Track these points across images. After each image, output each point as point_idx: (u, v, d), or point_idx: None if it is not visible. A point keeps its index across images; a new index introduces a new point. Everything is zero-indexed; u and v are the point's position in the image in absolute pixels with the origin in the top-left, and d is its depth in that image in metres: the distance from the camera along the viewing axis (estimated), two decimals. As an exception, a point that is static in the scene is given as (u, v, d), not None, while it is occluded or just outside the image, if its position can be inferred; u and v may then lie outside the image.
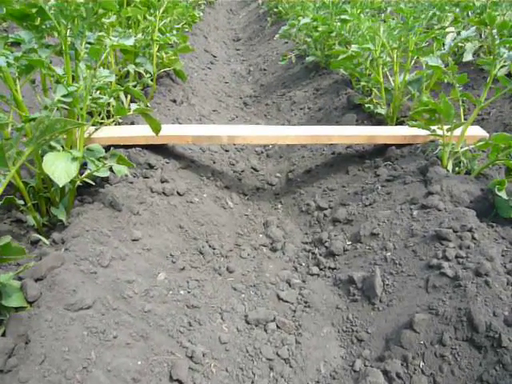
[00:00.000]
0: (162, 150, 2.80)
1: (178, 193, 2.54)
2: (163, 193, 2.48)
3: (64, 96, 1.94)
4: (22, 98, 1.89)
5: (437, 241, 1.93)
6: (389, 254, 2.06)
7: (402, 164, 2.61)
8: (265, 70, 5.90)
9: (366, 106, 3.25)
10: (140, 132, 2.70)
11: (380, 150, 2.87)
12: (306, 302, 2.08)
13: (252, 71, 6.12)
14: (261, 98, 5.02)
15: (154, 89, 3.64)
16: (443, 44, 2.94)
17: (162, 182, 2.55)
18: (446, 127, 2.34)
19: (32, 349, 1.37)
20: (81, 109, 2.03)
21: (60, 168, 1.77)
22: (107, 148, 2.55)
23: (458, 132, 2.42)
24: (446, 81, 2.70)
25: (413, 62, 3.02)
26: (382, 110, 3.13)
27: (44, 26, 2.13)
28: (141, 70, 3.37)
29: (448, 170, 2.37)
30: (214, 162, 3.10)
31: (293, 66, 5.33)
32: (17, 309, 1.52)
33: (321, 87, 4.31)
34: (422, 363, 1.56)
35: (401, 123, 3.13)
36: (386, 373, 1.59)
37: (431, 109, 2.25)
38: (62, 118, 1.42)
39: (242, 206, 2.89)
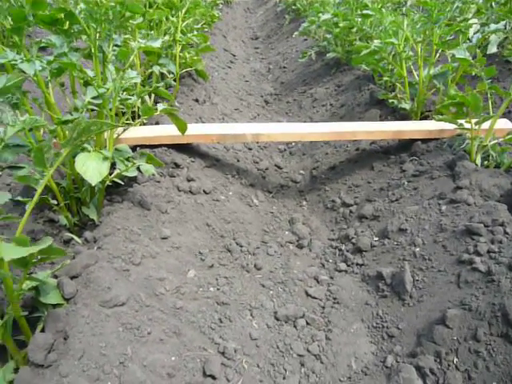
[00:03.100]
0: (187, 149, 2.82)
1: (205, 191, 2.57)
2: (190, 191, 2.51)
3: (94, 98, 1.98)
4: (53, 101, 1.94)
5: (467, 236, 1.91)
6: (418, 249, 2.05)
7: (429, 159, 2.59)
8: (284, 67, 5.90)
9: (390, 101, 3.23)
10: (165, 132, 2.73)
11: (405, 145, 2.85)
12: (334, 299, 2.08)
13: (272, 69, 6.12)
14: (281, 95, 5.02)
15: (177, 89, 3.67)
16: (468, 38, 2.91)
17: (189, 180, 2.58)
18: (474, 120, 2.32)
19: (71, 344, 1.40)
20: (110, 110, 2.07)
21: (92, 168, 1.81)
22: (133, 148, 2.59)
23: (485, 125, 2.39)
24: (473, 73, 2.66)
25: (437, 55, 2.99)
26: (406, 105, 3.10)
27: (72, 30, 2.17)
28: (164, 71, 3.40)
29: (476, 164, 2.34)
30: (238, 161, 3.12)
31: (313, 63, 5.32)
32: (54, 306, 1.56)
33: (342, 83, 4.30)
34: (455, 359, 1.55)
35: (425, 118, 3.10)
36: (418, 368, 1.58)
37: (459, 102, 2.22)
38: (98, 119, 1.45)
39: (267, 203, 2.90)
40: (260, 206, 2.82)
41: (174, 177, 2.55)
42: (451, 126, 2.48)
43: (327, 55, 4.78)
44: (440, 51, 3.04)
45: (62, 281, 1.58)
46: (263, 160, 3.31)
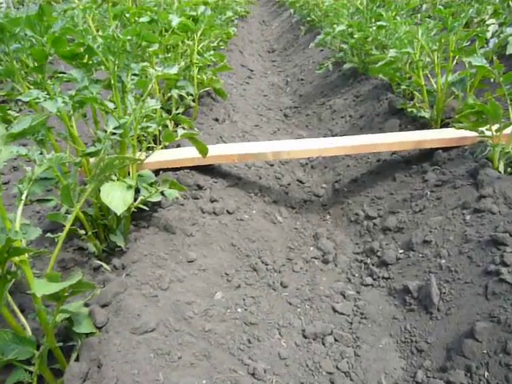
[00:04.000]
0: (208, 170, 2.87)
1: (228, 211, 2.60)
2: (214, 212, 2.55)
3: (115, 128, 2.05)
4: (77, 134, 2.01)
5: (493, 246, 1.89)
6: (443, 261, 2.03)
7: (451, 168, 2.57)
8: (302, 79, 5.94)
9: (409, 110, 3.22)
10: (187, 154, 2.78)
11: (426, 155, 2.83)
12: (361, 314, 2.08)
13: (289, 82, 6.17)
14: (301, 108, 5.05)
15: (196, 109, 3.74)
16: (486, 40, 2.88)
17: (212, 201, 2.62)
18: (494, 127, 2.29)
19: (105, 372, 1.44)
20: (131, 138, 2.13)
21: (117, 197, 1.87)
22: (156, 171, 2.65)
23: (507, 131, 2.36)
24: (492, 79, 2.64)
25: (454, 61, 2.98)
26: (425, 114, 3.09)
27: (91, 62, 2.25)
28: (183, 93, 3.47)
29: (500, 172, 2.32)
30: (260, 178, 3.15)
31: (330, 74, 5.34)
32: (87, 334, 1.61)
33: (360, 94, 4.30)
34: (486, 373, 1.53)
35: (445, 125, 3.08)
36: (449, 384, 1.57)
37: (478, 111, 2.21)
38: (121, 155, 1.51)
39: (290, 219, 2.92)
40: (284, 223, 2.84)
41: (198, 199, 2.60)
42: (472, 134, 2.46)
43: (344, 66, 4.79)
44: (457, 57, 3.02)
45: (94, 310, 1.63)
46: (285, 175, 3.33)
